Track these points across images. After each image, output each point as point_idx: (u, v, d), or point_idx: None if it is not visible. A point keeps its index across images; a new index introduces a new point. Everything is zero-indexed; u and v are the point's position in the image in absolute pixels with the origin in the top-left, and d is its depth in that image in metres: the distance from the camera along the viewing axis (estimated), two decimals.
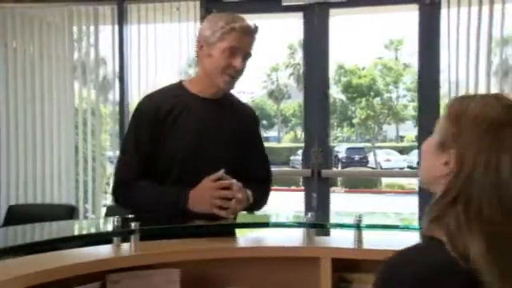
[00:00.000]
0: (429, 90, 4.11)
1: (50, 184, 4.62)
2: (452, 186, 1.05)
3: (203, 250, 1.76)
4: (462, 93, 4.01)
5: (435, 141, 1.13)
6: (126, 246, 1.72)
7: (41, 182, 4.61)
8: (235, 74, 2.10)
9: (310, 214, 1.86)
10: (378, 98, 22.37)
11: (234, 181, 2.00)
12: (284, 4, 4.26)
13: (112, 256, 1.64)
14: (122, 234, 1.67)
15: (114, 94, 4.61)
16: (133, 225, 1.68)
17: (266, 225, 2.14)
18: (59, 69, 4.63)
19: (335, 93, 21.75)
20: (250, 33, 2.08)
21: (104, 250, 1.70)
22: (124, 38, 4.50)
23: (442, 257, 0.99)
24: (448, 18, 3.98)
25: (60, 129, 4.63)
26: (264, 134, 32.80)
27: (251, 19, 2.11)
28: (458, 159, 1.06)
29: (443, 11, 3.98)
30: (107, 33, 4.62)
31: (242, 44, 2.07)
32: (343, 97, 22.95)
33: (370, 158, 21.46)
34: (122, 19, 4.49)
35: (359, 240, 1.77)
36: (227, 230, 2.11)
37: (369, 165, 20.71)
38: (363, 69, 22.50)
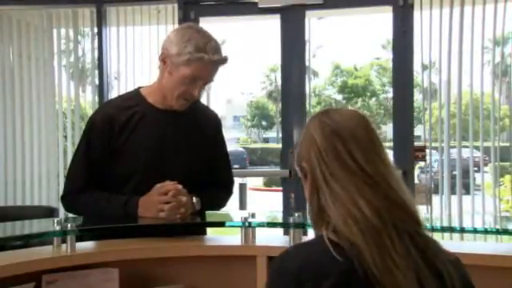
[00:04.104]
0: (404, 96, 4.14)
1: (30, 187, 4.64)
2: (310, 187, 1.22)
3: (141, 249, 1.80)
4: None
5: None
6: (64, 247, 1.75)
7: (21, 185, 4.63)
8: (192, 99, 2.09)
9: (297, 215, 1.82)
10: (374, 98, 22.43)
11: (180, 186, 2.03)
12: (260, 6, 4.28)
13: (47, 256, 1.67)
14: (57, 234, 1.70)
15: (94, 95, 4.64)
16: (68, 225, 1.71)
17: (221, 224, 2.18)
18: (39, 70, 4.66)
19: (332, 93, 21.83)
20: (217, 65, 2.05)
21: (41, 251, 1.73)
22: (103, 40, 4.53)
23: (322, 252, 1.12)
24: (421, 19, 4.01)
25: (40, 130, 4.65)
26: (264, 134, 32.93)
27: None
28: (308, 166, 1.23)
29: (416, 13, 4.01)
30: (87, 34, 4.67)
31: (206, 75, 2.05)
32: (340, 97, 23.04)
33: None
34: (101, 22, 4.52)
35: (296, 238, 1.80)
36: (198, 230, 2.15)
37: None
38: (361, 68, 22.57)
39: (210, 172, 2.22)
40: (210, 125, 2.28)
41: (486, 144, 4.06)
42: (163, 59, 2.08)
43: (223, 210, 2.33)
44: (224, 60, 2.07)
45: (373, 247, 1.08)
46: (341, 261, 1.09)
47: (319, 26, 18.87)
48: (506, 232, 1.94)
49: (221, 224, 2.11)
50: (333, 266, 1.08)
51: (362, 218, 1.11)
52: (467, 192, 4.15)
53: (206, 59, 1.99)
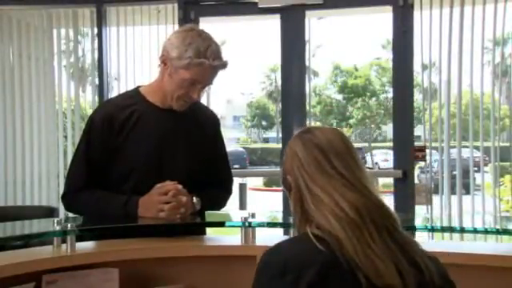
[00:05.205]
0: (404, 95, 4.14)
1: (30, 187, 4.63)
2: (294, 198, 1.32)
3: (141, 249, 1.80)
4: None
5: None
6: (64, 247, 1.75)
7: (21, 185, 4.62)
8: (191, 101, 2.10)
9: None
10: (374, 98, 22.43)
11: (180, 186, 2.03)
12: (260, 6, 4.28)
13: (47, 256, 1.67)
14: (57, 234, 1.70)
15: (94, 95, 4.64)
16: (68, 225, 1.71)
17: (221, 224, 2.17)
18: (39, 70, 4.65)
19: (332, 93, 21.84)
20: (217, 70, 2.06)
21: (41, 251, 1.73)
22: (103, 41, 4.53)
23: (306, 245, 1.21)
24: (421, 19, 4.01)
25: (40, 130, 4.65)
26: (264, 134, 32.93)
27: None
28: (292, 179, 1.31)
29: (416, 13, 4.01)
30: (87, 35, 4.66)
31: (205, 79, 2.06)
32: (340, 97, 23.05)
33: (369, 158, 21.52)
34: (101, 22, 4.52)
35: None
36: (198, 230, 2.15)
37: (366, 165, 20.73)
38: (361, 68, 22.57)
39: (209, 172, 2.22)
40: (209, 124, 2.28)
41: (486, 144, 4.06)
42: (163, 61, 2.08)
43: (223, 210, 2.33)
44: (224, 65, 2.07)
45: (354, 240, 1.17)
46: (324, 252, 1.17)
47: (319, 26, 18.92)
48: (506, 232, 1.95)
49: (221, 224, 2.11)
50: (317, 256, 1.17)
51: (343, 215, 1.20)
52: (467, 192, 4.15)
53: (206, 64, 2.00)
